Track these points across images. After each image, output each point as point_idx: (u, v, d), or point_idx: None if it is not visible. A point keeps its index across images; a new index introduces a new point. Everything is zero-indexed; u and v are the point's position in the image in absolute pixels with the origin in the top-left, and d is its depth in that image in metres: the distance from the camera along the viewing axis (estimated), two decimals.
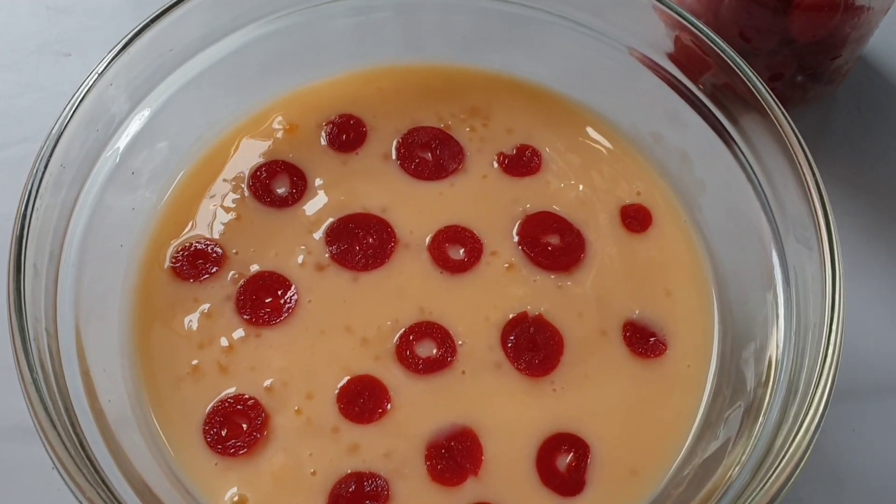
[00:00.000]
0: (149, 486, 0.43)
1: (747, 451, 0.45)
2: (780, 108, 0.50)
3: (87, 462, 0.40)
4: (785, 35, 0.60)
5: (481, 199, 0.55)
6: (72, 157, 0.48)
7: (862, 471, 0.55)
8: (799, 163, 0.48)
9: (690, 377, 0.51)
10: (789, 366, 0.47)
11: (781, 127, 0.49)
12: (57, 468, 0.39)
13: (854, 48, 0.63)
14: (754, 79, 0.50)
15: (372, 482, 0.47)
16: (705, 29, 0.52)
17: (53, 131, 0.47)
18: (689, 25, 0.52)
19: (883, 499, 0.55)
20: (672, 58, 0.55)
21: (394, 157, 0.57)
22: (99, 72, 0.48)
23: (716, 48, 0.51)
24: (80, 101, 0.48)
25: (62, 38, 0.68)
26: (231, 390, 0.49)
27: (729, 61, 0.51)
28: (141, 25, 0.50)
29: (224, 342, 0.50)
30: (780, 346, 0.48)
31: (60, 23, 0.69)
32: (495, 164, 0.57)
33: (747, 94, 0.51)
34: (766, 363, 0.48)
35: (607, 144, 0.58)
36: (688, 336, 0.52)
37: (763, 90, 0.50)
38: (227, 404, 0.48)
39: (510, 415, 0.49)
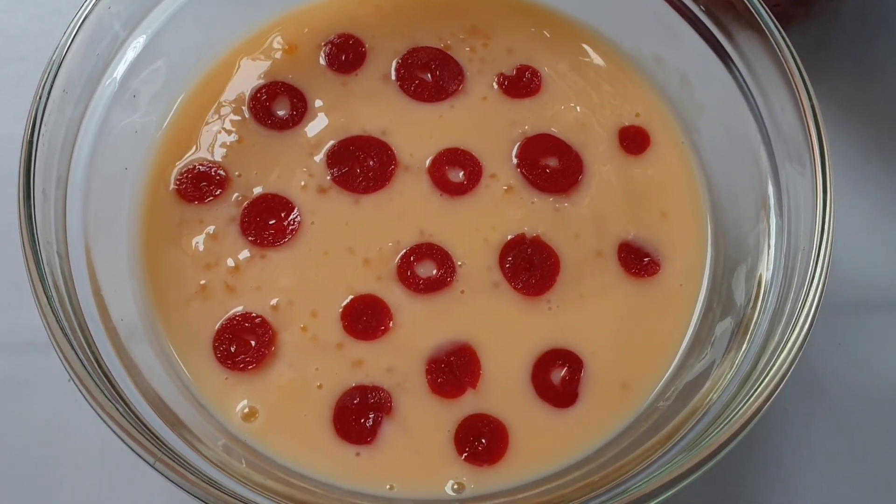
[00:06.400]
0: (163, 400, 0.45)
1: (735, 366, 0.47)
2: (778, 30, 0.50)
3: (103, 376, 0.42)
4: None
5: (481, 121, 0.56)
6: (73, 81, 0.48)
7: (845, 382, 0.58)
8: (795, 85, 0.49)
9: (682, 296, 0.52)
10: (778, 285, 0.48)
11: (779, 48, 0.49)
12: (74, 382, 0.41)
13: None
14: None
15: (375, 394, 0.49)
16: None
17: (55, 56, 0.47)
18: None
19: (864, 408, 0.57)
20: None
21: (393, 78, 0.57)
22: None
23: None
24: (80, 25, 0.48)
25: None
26: (238, 309, 0.51)
27: None
28: None
29: (230, 263, 0.52)
30: (771, 266, 0.49)
31: None
32: (495, 86, 0.57)
33: (746, 14, 0.50)
34: (756, 283, 0.50)
35: (608, 65, 0.58)
36: (681, 257, 0.53)
37: (762, 10, 0.49)
38: (235, 322, 0.50)
39: (507, 332, 0.51)
